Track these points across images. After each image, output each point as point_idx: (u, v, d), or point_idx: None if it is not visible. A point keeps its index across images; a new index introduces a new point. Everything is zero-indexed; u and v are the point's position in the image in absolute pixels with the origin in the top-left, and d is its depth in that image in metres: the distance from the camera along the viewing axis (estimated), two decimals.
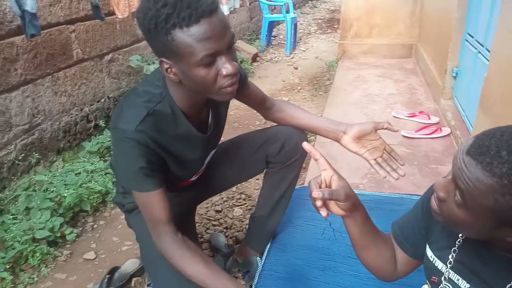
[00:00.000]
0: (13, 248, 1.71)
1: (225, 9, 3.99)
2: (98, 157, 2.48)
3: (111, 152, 2.32)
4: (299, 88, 4.03)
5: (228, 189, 1.82)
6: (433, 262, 0.87)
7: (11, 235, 1.75)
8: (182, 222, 1.21)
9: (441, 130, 2.67)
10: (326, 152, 2.29)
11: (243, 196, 2.21)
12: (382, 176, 1.27)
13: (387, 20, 4.48)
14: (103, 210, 2.15)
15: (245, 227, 1.90)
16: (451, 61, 2.93)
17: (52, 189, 2.06)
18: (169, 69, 0.99)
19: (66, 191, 2.01)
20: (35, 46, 2.31)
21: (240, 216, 2.05)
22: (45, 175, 2.20)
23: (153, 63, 3.21)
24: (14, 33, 2.16)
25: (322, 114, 3.08)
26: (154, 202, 1.08)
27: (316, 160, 0.89)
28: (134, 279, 1.66)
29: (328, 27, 7.06)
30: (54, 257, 1.80)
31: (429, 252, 0.88)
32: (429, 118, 2.85)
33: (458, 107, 2.83)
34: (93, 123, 2.83)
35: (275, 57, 5.18)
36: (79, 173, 2.23)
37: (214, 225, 1.99)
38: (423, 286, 0.94)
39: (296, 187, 1.54)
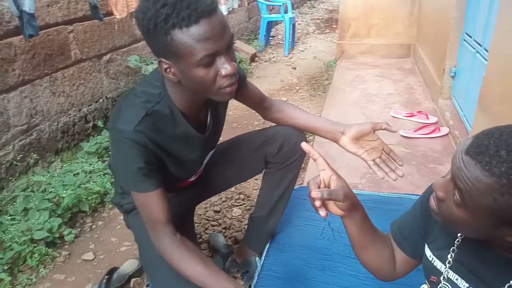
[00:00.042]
0: (11, 249, 1.71)
1: (223, 9, 3.98)
2: (96, 157, 2.48)
3: (110, 153, 2.32)
4: (297, 88, 4.03)
5: (227, 189, 1.82)
6: (432, 261, 0.87)
7: (9, 236, 1.74)
8: (181, 222, 1.21)
9: (439, 129, 2.67)
10: (325, 152, 2.29)
11: (242, 196, 2.21)
12: (380, 177, 1.27)
13: (386, 20, 4.48)
14: (102, 211, 2.14)
15: (244, 227, 1.90)
16: (449, 61, 2.93)
17: (50, 190, 2.05)
18: (168, 69, 0.99)
19: (64, 191, 2.01)
20: (33, 46, 2.30)
21: (239, 216, 2.05)
22: (43, 176, 2.19)
23: (152, 63, 3.21)
24: (12, 33, 2.16)
25: (320, 114, 3.08)
26: (152, 202, 1.08)
27: (315, 160, 0.89)
28: (133, 280, 1.66)
29: (326, 27, 7.06)
30: (52, 258, 1.79)
31: (428, 252, 0.88)
32: (428, 118, 2.86)
33: (457, 106, 2.84)
34: (91, 124, 2.82)
35: (274, 57, 5.18)
36: (78, 173, 2.23)
37: (213, 225, 1.99)
38: (422, 285, 0.94)
39: (295, 187, 1.54)
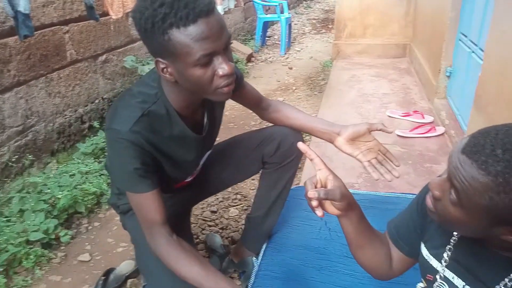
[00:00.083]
0: (7, 251, 1.70)
1: (219, 9, 3.98)
2: (92, 158, 2.47)
3: (106, 154, 2.30)
4: (294, 88, 4.03)
5: (223, 190, 1.82)
6: (428, 260, 0.87)
7: (5, 237, 1.73)
8: (177, 223, 1.21)
9: (435, 129, 2.69)
10: (321, 152, 2.29)
11: (238, 196, 2.20)
12: (375, 179, 1.27)
13: (381, 20, 4.50)
14: (98, 212, 2.13)
15: (241, 228, 1.90)
16: (445, 60, 2.95)
17: (46, 191, 2.04)
18: (165, 69, 0.99)
19: (60, 192, 2.00)
20: (28, 47, 2.29)
21: (236, 216, 2.05)
22: (39, 177, 2.18)
23: (148, 63, 3.20)
24: (7, 34, 2.14)
25: (317, 114, 3.08)
26: (148, 203, 1.07)
27: (311, 160, 0.89)
28: (129, 281, 1.65)
29: (322, 27, 7.07)
30: (48, 259, 1.79)
31: (424, 251, 0.89)
32: (423, 118, 2.87)
33: (452, 106, 2.85)
34: (87, 124, 2.81)
35: (270, 57, 5.18)
36: (74, 174, 2.22)
37: (209, 226, 1.98)
38: (418, 284, 0.94)
39: (292, 187, 1.54)
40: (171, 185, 1.32)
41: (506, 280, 0.73)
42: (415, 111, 2.97)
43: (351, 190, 0.89)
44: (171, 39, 0.91)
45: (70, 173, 2.24)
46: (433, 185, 0.74)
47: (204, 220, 2.02)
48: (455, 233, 0.82)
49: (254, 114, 1.46)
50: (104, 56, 2.96)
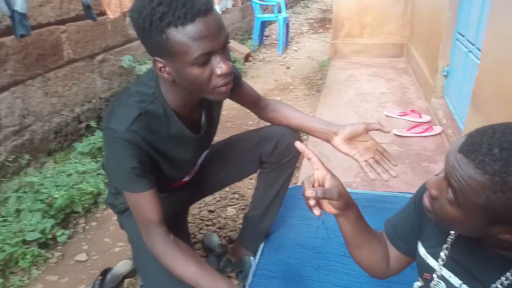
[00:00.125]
0: (3, 251, 1.69)
1: (217, 8, 3.97)
2: (89, 158, 2.46)
3: (103, 153, 2.30)
4: (291, 87, 4.03)
5: (221, 189, 1.82)
6: (426, 259, 0.87)
7: (1, 237, 1.72)
8: (175, 222, 1.21)
9: (432, 128, 2.69)
10: (319, 151, 2.29)
11: (236, 195, 2.20)
12: (372, 179, 1.27)
13: (379, 19, 4.50)
14: (95, 212, 2.13)
15: (239, 227, 1.90)
16: (442, 60, 2.95)
17: (43, 191, 2.03)
18: (162, 68, 0.99)
19: (57, 192, 1.99)
20: (25, 46, 2.28)
21: (234, 216, 2.05)
22: (36, 177, 2.17)
23: (145, 63, 3.19)
24: (3, 33, 2.14)
25: (314, 114, 3.08)
26: (145, 202, 1.07)
27: (309, 159, 0.89)
28: (126, 281, 1.65)
29: (320, 26, 7.07)
30: (45, 259, 1.78)
31: (421, 250, 0.89)
32: (421, 117, 2.87)
33: (449, 105, 2.85)
34: (84, 124, 2.80)
35: (268, 57, 5.18)
36: (71, 174, 2.21)
37: (207, 225, 1.98)
38: (416, 283, 0.95)
39: (289, 187, 1.54)
40: (169, 185, 1.32)
41: (503, 278, 0.73)
42: (412, 111, 2.97)
43: (348, 189, 0.89)
44: (169, 38, 0.91)
45: (67, 173, 2.23)
46: (430, 184, 0.74)
47: (201, 219, 2.02)
48: (452, 232, 0.82)
49: (252, 113, 1.46)
50: (101, 56, 2.95)
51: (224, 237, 1.90)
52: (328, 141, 1.34)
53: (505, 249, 0.73)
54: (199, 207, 2.10)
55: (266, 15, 5.53)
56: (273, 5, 5.35)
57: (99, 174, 2.26)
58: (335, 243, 1.59)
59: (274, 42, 5.78)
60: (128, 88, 1.12)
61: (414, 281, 0.94)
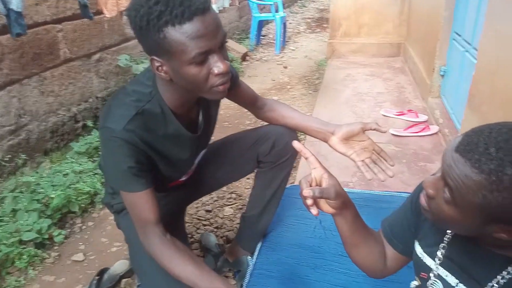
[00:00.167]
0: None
1: (214, 7, 3.97)
2: (86, 157, 2.45)
3: (100, 153, 2.29)
4: (288, 87, 4.03)
5: (218, 189, 1.81)
6: (422, 258, 0.87)
7: None
8: (172, 222, 1.21)
9: (429, 128, 2.70)
10: (316, 151, 2.29)
11: (233, 195, 2.20)
12: (368, 179, 1.27)
13: (376, 19, 4.51)
14: (92, 211, 2.12)
15: (236, 227, 1.90)
16: (439, 59, 2.96)
17: (39, 191, 2.03)
18: (160, 67, 0.98)
19: (53, 192, 1.98)
20: (21, 45, 2.27)
21: (231, 215, 2.05)
22: (32, 176, 2.16)
23: (142, 62, 3.18)
24: None
25: (312, 113, 3.08)
26: (142, 202, 1.07)
27: (306, 158, 0.89)
28: (123, 281, 1.64)
29: (317, 26, 7.07)
30: (41, 259, 1.77)
31: (418, 249, 0.89)
32: (418, 116, 2.88)
33: (446, 105, 2.86)
34: (81, 123, 2.79)
35: (265, 56, 5.18)
36: (67, 174, 2.20)
37: (204, 225, 1.98)
38: (412, 282, 0.95)
39: (286, 186, 1.54)
40: (166, 184, 1.32)
41: (499, 277, 0.73)
42: (409, 110, 2.98)
43: (345, 189, 0.89)
44: (166, 37, 0.91)
45: (64, 173, 2.22)
46: (427, 183, 0.74)
47: (198, 219, 2.02)
48: (448, 231, 0.82)
49: (249, 113, 1.46)
50: (98, 55, 2.94)
51: (221, 237, 1.89)
52: (325, 141, 1.34)
53: (501, 248, 0.73)
54: (196, 207, 2.10)
55: (263, 14, 5.52)
56: (271, 5, 5.34)
57: (95, 173, 2.25)
58: (332, 242, 1.59)
59: (272, 41, 5.78)
60: (125, 87, 1.12)
61: (411, 280, 0.95)
